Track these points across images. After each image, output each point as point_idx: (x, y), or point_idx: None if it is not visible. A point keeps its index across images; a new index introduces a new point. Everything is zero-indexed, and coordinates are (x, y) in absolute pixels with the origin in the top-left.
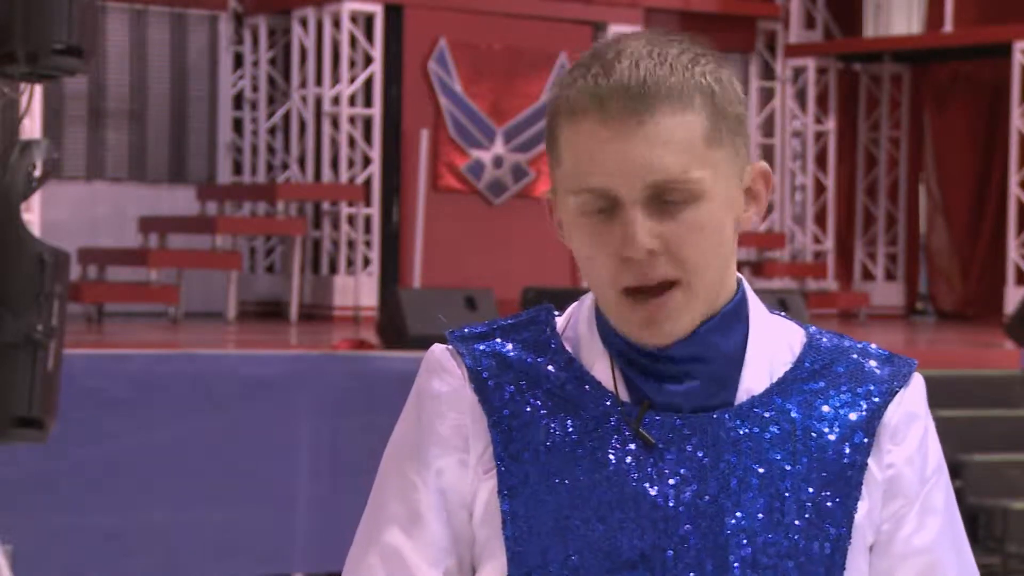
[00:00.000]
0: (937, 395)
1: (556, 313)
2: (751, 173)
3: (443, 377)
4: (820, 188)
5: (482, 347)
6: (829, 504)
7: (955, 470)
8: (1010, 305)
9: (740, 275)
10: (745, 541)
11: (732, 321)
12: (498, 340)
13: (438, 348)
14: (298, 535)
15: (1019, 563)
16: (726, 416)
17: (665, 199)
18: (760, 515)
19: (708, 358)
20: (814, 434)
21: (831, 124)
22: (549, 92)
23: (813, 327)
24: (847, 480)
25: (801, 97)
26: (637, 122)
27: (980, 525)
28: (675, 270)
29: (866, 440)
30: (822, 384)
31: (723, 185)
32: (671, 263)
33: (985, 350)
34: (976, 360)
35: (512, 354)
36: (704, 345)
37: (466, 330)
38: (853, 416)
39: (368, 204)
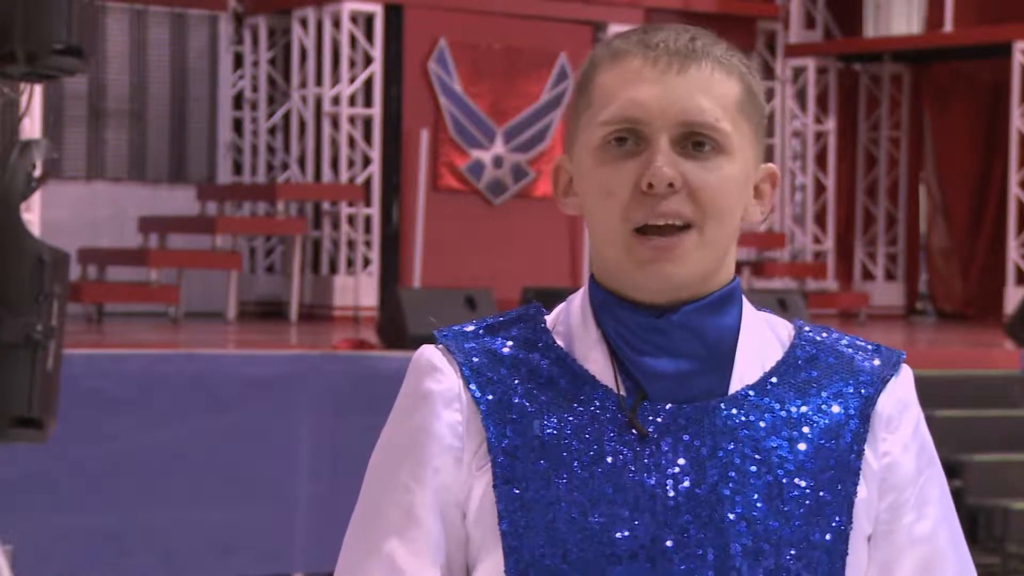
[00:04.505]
0: (937, 395)
1: (544, 311)
2: (762, 172)
3: (435, 376)
4: (820, 188)
5: (472, 344)
6: (827, 492)
7: (955, 470)
8: (1010, 305)
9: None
10: (745, 529)
11: (727, 303)
12: (487, 337)
13: (427, 349)
14: (298, 535)
15: (1019, 563)
16: (722, 405)
17: (694, 143)
18: (759, 504)
19: (703, 334)
20: (810, 423)
21: (831, 124)
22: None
23: (799, 319)
24: (844, 468)
25: (801, 97)
26: (681, 69)
27: (980, 525)
28: (691, 210)
29: (861, 428)
30: (815, 374)
31: (743, 157)
32: (688, 202)
33: (985, 350)
34: (976, 360)
35: (504, 350)
36: (700, 319)
37: (455, 329)
38: (848, 405)
39: (368, 204)
